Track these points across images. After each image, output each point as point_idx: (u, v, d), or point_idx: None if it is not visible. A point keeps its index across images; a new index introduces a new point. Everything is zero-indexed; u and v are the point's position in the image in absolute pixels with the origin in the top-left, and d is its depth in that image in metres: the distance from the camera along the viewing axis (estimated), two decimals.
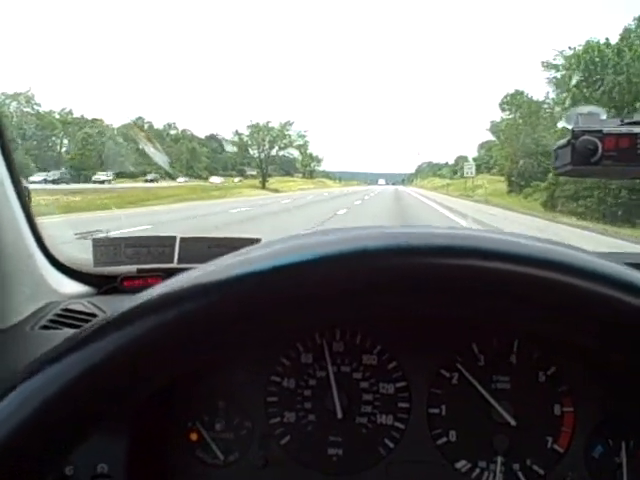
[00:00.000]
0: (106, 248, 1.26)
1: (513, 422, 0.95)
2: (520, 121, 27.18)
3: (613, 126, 1.01)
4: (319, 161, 59.01)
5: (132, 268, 1.27)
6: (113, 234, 1.40)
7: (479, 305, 0.69)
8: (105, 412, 0.64)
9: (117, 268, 1.27)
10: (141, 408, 0.86)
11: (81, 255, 1.32)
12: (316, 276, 0.62)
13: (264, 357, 0.99)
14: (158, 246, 1.28)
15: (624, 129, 0.99)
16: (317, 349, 1.00)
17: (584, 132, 0.99)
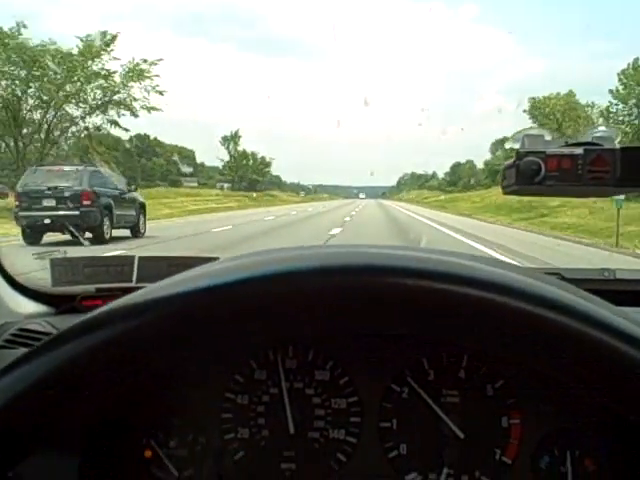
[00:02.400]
0: (64, 268, 1.27)
1: (462, 435, 0.98)
2: None
3: (556, 147, 1.05)
4: (267, 164, 55.98)
5: (91, 287, 1.28)
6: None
7: (422, 323, 0.72)
8: (52, 425, 0.65)
9: (76, 287, 1.28)
10: (93, 424, 0.86)
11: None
12: (254, 294, 0.64)
13: (218, 374, 1.01)
14: (117, 265, 1.29)
15: (566, 150, 1.03)
16: (270, 366, 1.01)
17: (528, 153, 1.03)
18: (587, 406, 0.94)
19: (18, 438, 0.63)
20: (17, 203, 11.93)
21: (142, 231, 13.72)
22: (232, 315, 0.64)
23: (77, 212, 11.82)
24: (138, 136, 45.06)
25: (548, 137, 1.08)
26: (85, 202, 12.11)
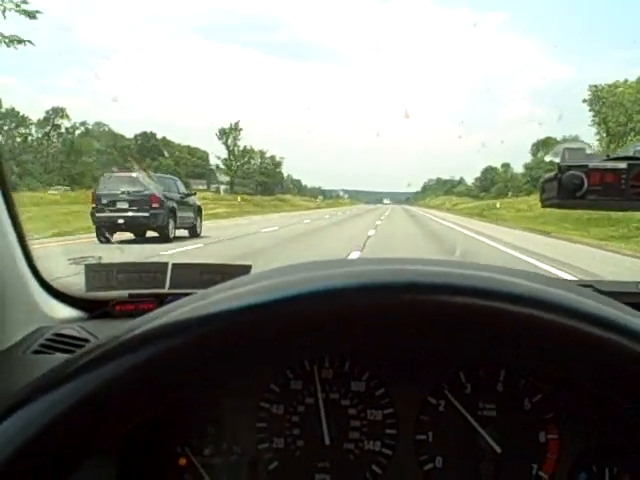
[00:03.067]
0: (98, 273, 1.27)
1: (499, 449, 0.97)
2: None
3: (598, 161, 1.04)
4: (277, 164, 52.45)
5: (124, 293, 1.28)
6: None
7: (460, 339, 0.72)
8: (98, 441, 0.65)
9: (109, 293, 1.29)
10: (130, 433, 0.87)
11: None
12: (299, 312, 0.64)
13: (254, 384, 1.01)
14: (150, 272, 1.29)
15: (609, 164, 1.02)
16: (306, 376, 1.01)
17: (570, 167, 1.02)
18: (626, 422, 0.93)
19: (64, 454, 0.63)
20: (94, 205, 13.46)
21: (199, 231, 15.20)
22: (276, 333, 0.64)
23: (147, 214, 13.38)
24: (143, 135, 43.94)
25: (589, 151, 1.07)
26: (154, 205, 13.58)
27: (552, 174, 1.05)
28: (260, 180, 53.11)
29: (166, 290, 1.27)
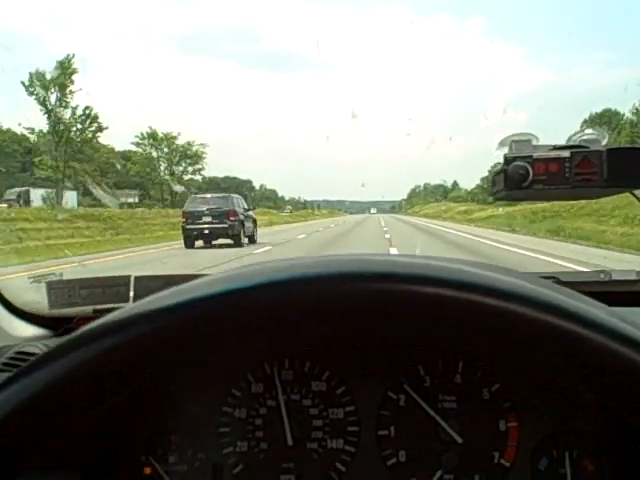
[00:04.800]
0: (61, 290, 1.27)
1: (460, 439, 0.98)
2: None
3: (544, 151, 1.06)
4: (199, 157, 47.29)
5: (88, 309, 1.28)
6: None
7: (414, 329, 0.73)
8: (40, 442, 0.65)
9: (73, 309, 1.29)
10: (92, 443, 0.87)
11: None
12: (245, 304, 0.65)
13: (215, 389, 1.01)
14: (113, 286, 1.30)
15: (553, 154, 1.04)
16: (267, 379, 1.01)
17: (515, 158, 1.04)
18: (584, 407, 0.94)
19: (8, 458, 0.64)
20: (184, 219, 18.16)
21: (256, 238, 19.60)
22: (219, 328, 0.65)
23: (226, 225, 17.69)
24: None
25: (535, 142, 1.09)
26: (231, 218, 17.93)
27: (500, 167, 1.07)
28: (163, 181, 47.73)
29: (130, 304, 1.27)
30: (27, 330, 1.28)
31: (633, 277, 1.37)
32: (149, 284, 1.31)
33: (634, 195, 1.09)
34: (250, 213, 20.12)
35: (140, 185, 47.93)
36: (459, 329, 0.66)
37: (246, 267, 0.72)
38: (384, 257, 0.69)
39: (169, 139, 48.06)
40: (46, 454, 0.69)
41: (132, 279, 1.29)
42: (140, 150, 48.41)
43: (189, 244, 17.61)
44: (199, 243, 18.09)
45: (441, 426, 0.99)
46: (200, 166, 49.87)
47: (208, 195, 21.46)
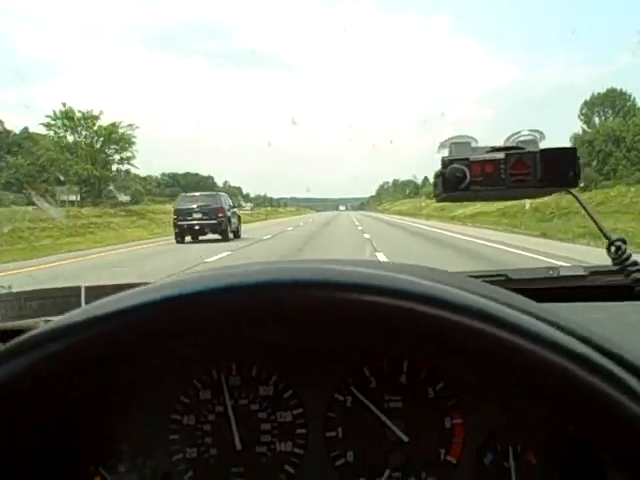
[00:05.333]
0: (10, 303, 1.27)
1: (406, 438, 1.00)
2: None
3: (481, 154, 1.08)
4: (127, 142, 39.94)
5: (39, 320, 1.28)
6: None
7: (349, 335, 0.74)
8: None
9: (24, 322, 1.28)
10: (38, 455, 0.87)
11: None
12: (187, 310, 0.66)
13: (163, 397, 1.02)
14: (63, 296, 1.29)
15: (488, 156, 1.07)
16: (215, 385, 1.02)
17: (452, 161, 1.07)
18: (524, 403, 0.97)
19: None
20: (175, 216, 19.91)
21: (240, 234, 21.53)
22: (159, 333, 0.65)
23: (215, 221, 19.58)
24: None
25: (474, 144, 1.12)
26: (219, 215, 19.83)
27: (439, 170, 1.09)
28: (85, 170, 40.27)
29: None
30: None
31: (581, 272, 1.41)
32: (100, 293, 1.31)
33: (572, 194, 1.12)
34: (235, 210, 22.34)
35: (86, 181, 41.68)
36: (391, 334, 0.67)
37: (192, 274, 0.73)
38: (327, 263, 0.71)
39: (88, 119, 40.27)
40: None
41: (83, 289, 1.29)
42: (51, 133, 40.44)
43: (180, 239, 19.78)
44: (187, 238, 19.98)
45: (387, 426, 1.00)
46: (130, 154, 42.56)
47: (197, 193, 23.45)
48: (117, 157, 43.15)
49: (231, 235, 20.41)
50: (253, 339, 0.79)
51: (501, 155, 1.05)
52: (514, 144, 1.10)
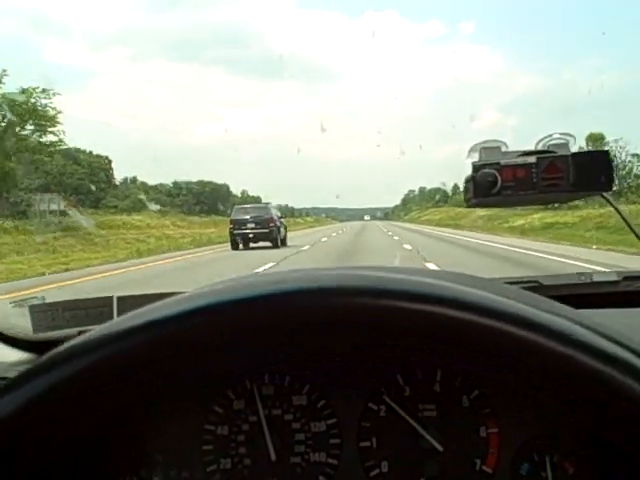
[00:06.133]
0: (44, 314, 1.28)
1: (441, 448, 0.99)
2: None
3: (512, 158, 1.07)
4: (49, 119, 28.02)
5: (73, 331, 1.29)
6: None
7: (392, 343, 0.73)
8: (22, 464, 0.66)
9: (57, 332, 1.29)
10: (77, 466, 0.87)
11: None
12: (229, 320, 0.66)
13: (197, 407, 1.02)
14: (96, 307, 1.30)
15: (520, 160, 1.06)
16: (248, 395, 1.02)
17: (483, 165, 1.05)
18: (561, 410, 0.95)
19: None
20: (231, 226, 22.47)
21: (286, 242, 23.53)
22: (197, 345, 0.65)
23: (267, 230, 21.72)
24: None
25: (505, 148, 1.10)
26: (270, 224, 22.05)
27: (470, 174, 1.08)
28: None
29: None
30: (11, 355, 1.28)
31: (614, 278, 1.39)
32: (132, 303, 1.32)
33: (605, 198, 1.10)
34: (282, 220, 24.53)
35: (82, 185, 38.14)
36: (432, 342, 0.67)
37: (225, 282, 0.73)
38: (366, 271, 0.71)
39: None
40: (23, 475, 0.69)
41: (115, 299, 1.30)
42: None
43: (236, 246, 22.14)
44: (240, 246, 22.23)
45: (422, 435, 0.99)
46: (56, 138, 30.65)
47: (248, 205, 26.39)
48: (36, 139, 30.37)
49: (279, 243, 22.45)
50: (288, 349, 0.79)
51: (533, 159, 1.04)
52: (545, 148, 1.08)
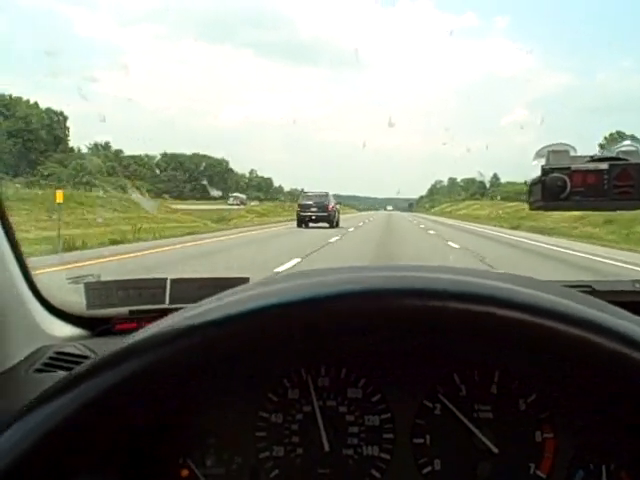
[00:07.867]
0: (98, 291, 1.29)
1: (495, 450, 0.98)
2: None
3: (581, 163, 1.06)
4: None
5: (125, 310, 1.30)
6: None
7: (451, 342, 0.73)
8: (92, 450, 0.67)
9: (110, 310, 1.31)
10: (132, 445, 0.88)
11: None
12: (296, 318, 0.66)
13: (252, 394, 1.02)
14: (149, 288, 1.32)
15: (591, 166, 1.04)
16: (303, 384, 1.02)
17: (553, 169, 1.04)
18: (620, 419, 0.94)
19: (60, 464, 0.65)
20: (299, 209, 26.91)
21: (339, 224, 27.23)
22: (263, 341, 0.66)
23: (326, 214, 25.86)
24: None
25: (573, 152, 1.09)
26: (330, 209, 26.35)
27: (537, 177, 1.07)
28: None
29: (166, 305, 1.30)
30: (64, 330, 1.30)
31: None
32: (184, 286, 1.33)
33: None
34: (337, 207, 28.97)
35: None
36: (493, 343, 0.67)
37: (286, 278, 0.73)
38: (425, 272, 0.71)
39: None
40: (93, 456, 0.71)
41: (168, 282, 1.31)
42: None
43: (300, 225, 25.87)
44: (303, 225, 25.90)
45: (476, 436, 0.99)
46: None
47: (310, 193, 29.22)
48: None
49: (335, 224, 26.48)
50: (346, 343, 0.79)
51: (605, 166, 1.02)
52: (615, 154, 1.07)
